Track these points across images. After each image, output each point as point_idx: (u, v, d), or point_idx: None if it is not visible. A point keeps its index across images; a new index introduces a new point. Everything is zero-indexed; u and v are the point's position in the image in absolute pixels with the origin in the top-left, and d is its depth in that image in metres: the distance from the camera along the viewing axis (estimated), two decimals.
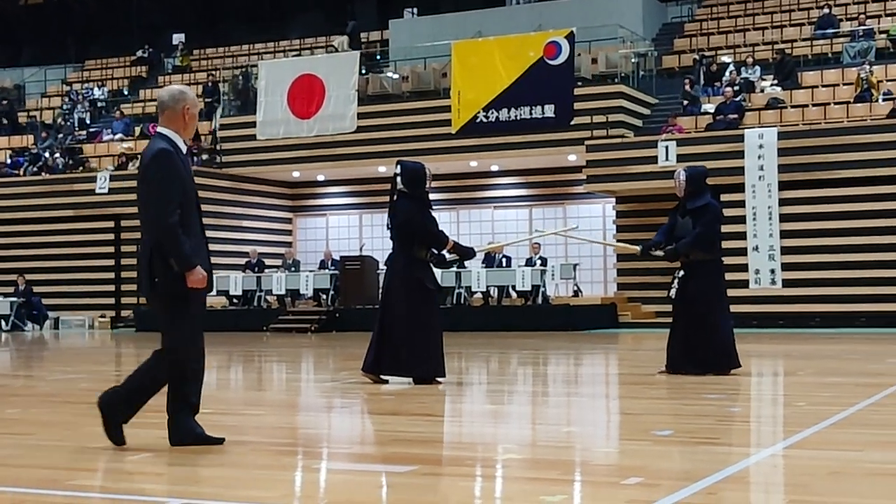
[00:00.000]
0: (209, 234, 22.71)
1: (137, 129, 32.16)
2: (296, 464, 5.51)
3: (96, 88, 35.88)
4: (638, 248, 11.25)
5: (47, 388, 10.76)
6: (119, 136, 32.12)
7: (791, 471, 5.30)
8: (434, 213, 10.23)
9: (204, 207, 23.04)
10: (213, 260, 22.67)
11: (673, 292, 10.78)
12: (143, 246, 6.16)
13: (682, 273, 10.78)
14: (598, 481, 4.99)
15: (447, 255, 10.42)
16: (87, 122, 34.16)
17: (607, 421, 7.81)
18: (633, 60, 28.06)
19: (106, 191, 29.28)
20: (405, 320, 9.83)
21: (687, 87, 26.51)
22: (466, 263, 23.89)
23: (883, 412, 7.55)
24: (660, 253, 10.95)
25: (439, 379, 9.97)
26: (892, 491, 4.58)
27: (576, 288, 25.98)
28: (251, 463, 5.55)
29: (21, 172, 31.11)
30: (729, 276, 23.14)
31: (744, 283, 23.49)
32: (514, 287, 24.75)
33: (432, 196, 31.17)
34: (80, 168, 30.88)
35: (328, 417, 8.04)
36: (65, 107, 35.08)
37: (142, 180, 6.10)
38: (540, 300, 24.24)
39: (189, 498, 4.63)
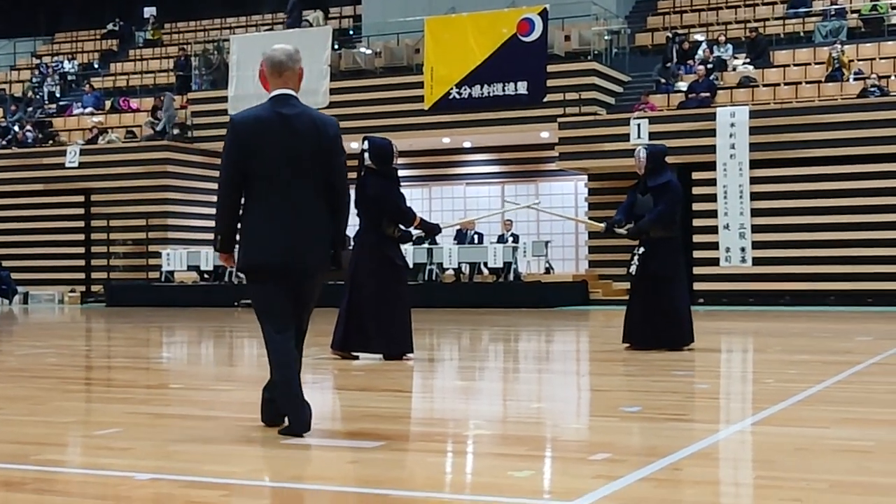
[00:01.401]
0: (180, 209, 22.41)
1: (108, 103, 31.93)
2: (264, 439, 5.49)
3: (66, 62, 35.57)
4: (602, 225, 11.34)
5: (15, 362, 10.69)
6: (89, 109, 31.89)
7: (757, 447, 5.34)
8: (402, 190, 10.24)
9: (174, 183, 22.82)
10: (183, 236, 22.39)
11: (633, 269, 10.90)
12: (320, 212, 5.66)
13: (641, 250, 10.89)
14: (566, 457, 5.00)
15: (413, 232, 10.45)
16: (58, 95, 33.90)
17: (576, 397, 7.83)
18: (606, 38, 28.06)
19: (76, 165, 29.09)
20: (374, 297, 9.84)
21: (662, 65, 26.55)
22: (438, 240, 24.01)
23: (849, 389, 7.61)
24: (623, 231, 11.04)
25: (409, 355, 10.01)
26: (856, 467, 4.62)
27: (547, 265, 26.02)
28: (219, 438, 5.54)
29: None
30: (699, 254, 23.61)
31: (714, 261, 23.61)
32: (485, 264, 24.77)
33: (404, 172, 31.03)
34: (50, 142, 30.66)
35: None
36: (34, 80, 34.76)
37: (337, 152, 5.70)
38: (511, 277, 24.27)
39: (155, 473, 4.62)
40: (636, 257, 11.04)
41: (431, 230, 11.26)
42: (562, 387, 8.53)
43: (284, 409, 5.57)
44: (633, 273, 11.05)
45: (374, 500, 4.12)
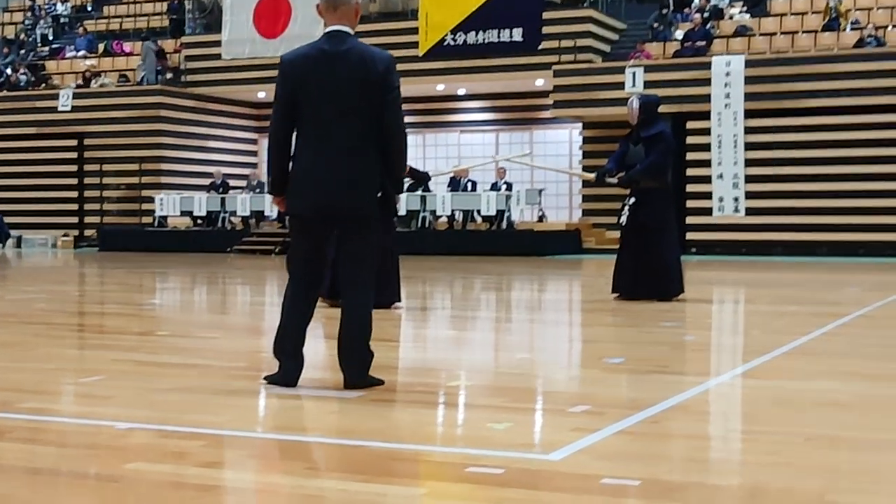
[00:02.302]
0: (174, 154, 22.30)
1: (101, 46, 31.71)
2: (247, 388, 5.50)
3: (59, 4, 35.26)
4: (593, 175, 11.33)
5: (5, 307, 10.71)
6: (82, 52, 31.68)
7: (737, 400, 5.36)
8: None
9: (168, 127, 22.72)
10: (176, 181, 22.32)
11: (623, 219, 10.91)
12: (366, 154, 5.41)
13: (632, 200, 10.88)
14: (546, 409, 5.03)
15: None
16: (50, 38, 33.66)
17: (561, 348, 7.86)
18: None
19: (69, 108, 28.97)
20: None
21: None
22: (432, 187, 23.98)
23: (834, 342, 7.64)
24: (614, 180, 11.04)
25: (397, 304, 10.02)
26: (833, 420, 4.64)
27: (541, 213, 26.01)
28: (202, 387, 5.56)
29: None
30: (692, 204, 23.61)
31: (707, 211, 23.62)
32: (478, 211, 24.76)
33: None
34: (43, 85, 30.49)
35: None
36: (27, 22, 34.51)
37: (387, 88, 5.39)
38: (504, 225, 24.26)
39: (136, 422, 4.63)
40: (627, 208, 11.06)
41: (421, 178, 11.25)
42: (548, 337, 8.56)
43: (275, 355, 5.53)
44: (624, 223, 11.08)
45: (349, 451, 4.14)
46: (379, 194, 5.48)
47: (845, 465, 3.86)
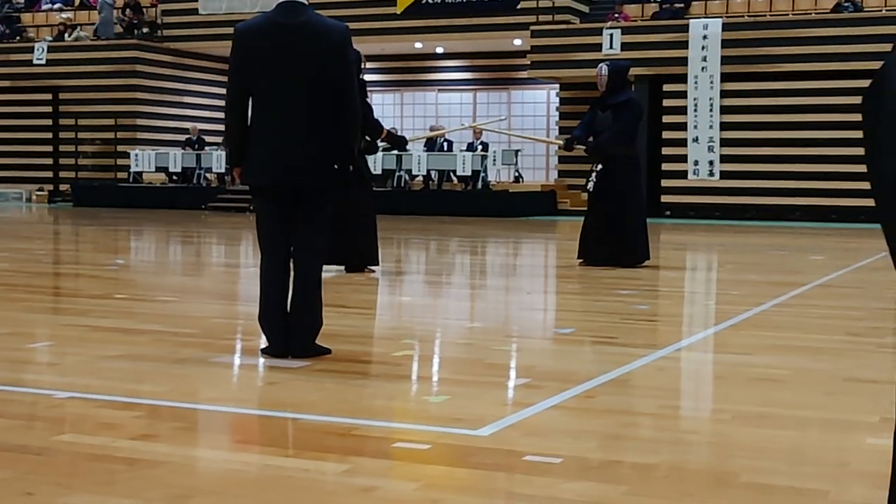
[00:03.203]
0: (150, 109, 22.19)
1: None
2: (193, 357, 5.54)
3: None
4: (562, 142, 11.36)
5: None
6: (58, 5, 31.40)
7: (675, 374, 5.42)
8: (374, 96, 10.21)
9: (144, 83, 22.65)
10: (152, 136, 22.27)
11: (590, 185, 10.94)
12: (321, 127, 5.42)
13: (599, 167, 10.91)
14: (485, 381, 5.07)
15: (379, 144, 10.45)
16: None
17: (514, 317, 7.90)
18: None
19: (44, 62, 28.76)
20: (341, 209, 9.83)
21: None
22: (409, 147, 23.95)
23: (784, 313, 7.70)
24: (582, 147, 11.07)
25: (371, 268, 10.08)
26: (764, 398, 4.70)
27: (517, 174, 26.01)
28: (149, 355, 5.58)
29: None
30: (668, 167, 23.66)
31: (682, 174, 23.67)
32: (454, 172, 24.75)
33: (376, 77, 30.76)
34: (18, 38, 30.23)
35: (240, 307, 8.05)
36: None
37: (341, 62, 5.42)
38: (480, 186, 24.27)
39: (74, 391, 4.67)
40: (594, 174, 11.08)
41: (398, 143, 11.28)
42: (504, 305, 8.61)
43: (261, 326, 5.55)
44: (591, 189, 11.11)
45: (280, 425, 4.19)
46: (336, 166, 5.51)
47: (768, 443, 3.92)
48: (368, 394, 4.78)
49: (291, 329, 5.49)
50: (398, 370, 5.37)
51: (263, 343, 5.57)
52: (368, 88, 10.72)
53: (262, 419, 4.33)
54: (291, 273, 5.55)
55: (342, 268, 10.01)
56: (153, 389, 4.74)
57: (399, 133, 25.45)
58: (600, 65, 11.27)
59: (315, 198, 5.50)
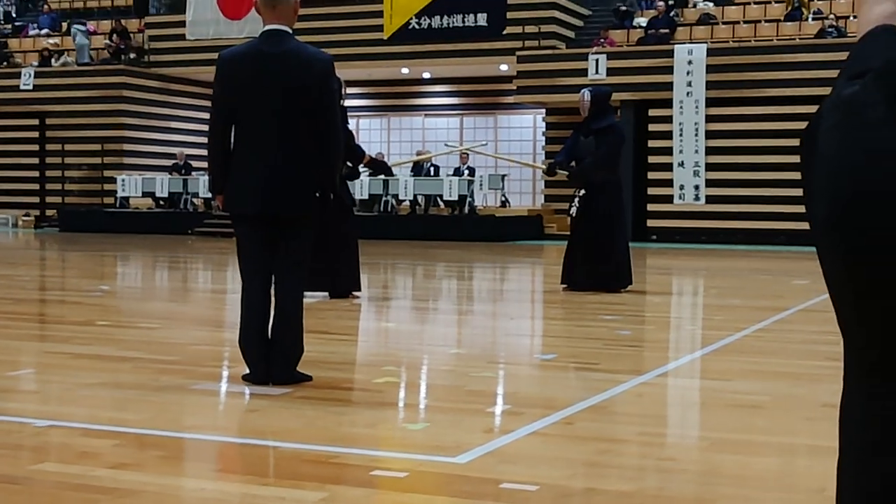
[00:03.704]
0: (137, 135, 22.17)
1: (64, 25, 31.49)
2: (174, 384, 5.54)
3: None
4: (544, 166, 11.42)
5: None
6: (45, 31, 31.46)
7: (653, 401, 5.44)
8: (362, 120, 10.27)
9: (131, 108, 22.62)
10: (139, 161, 22.20)
11: (573, 210, 11.00)
12: (302, 155, 5.45)
13: (582, 192, 10.96)
14: (464, 408, 5.08)
15: (361, 170, 10.50)
16: (13, 15, 33.39)
17: (497, 343, 7.91)
18: None
19: (31, 87, 28.78)
20: (324, 236, 9.87)
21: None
22: (395, 171, 24.05)
23: (765, 338, 7.73)
24: (564, 173, 11.12)
25: (355, 293, 10.10)
26: (741, 424, 4.72)
27: (503, 198, 26.08)
28: (130, 382, 5.59)
29: None
30: (653, 191, 23.73)
31: (668, 199, 23.75)
32: (441, 197, 24.79)
33: (363, 102, 30.85)
34: (5, 63, 30.25)
35: (223, 333, 8.05)
36: None
37: (324, 91, 5.45)
38: (467, 210, 24.31)
39: (54, 419, 4.67)
40: (577, 199, 11.14)
41: (380, 168, 11.34)
42: (487, 331, 8.63)
43: (242, 353, 5.54)
44: (574, 214, 11.16)
45: (259, 453, 4.20)
46: (317, 194, 5.55)
47: (747, 469, 3.94)
48: (348, 421, 4.79)
49: (272, 356, 5.50)
50: (379, 397, 5.38)
51: (245, 370, 5.57)
52: (356, 113, 10.84)
53: (241, 447, 4.34)
54: (273, 300, 5.57)
55: (326, 294, 10.03)
56: (133, 417, 4.74)
57: (386, 158, 25.53)
58: (583, 90, 11.34)
59: (296, 225, 5.53)
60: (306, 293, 9.78)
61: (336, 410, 4.99)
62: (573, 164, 11.11)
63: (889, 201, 0.78)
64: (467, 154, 25.56)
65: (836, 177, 0.84)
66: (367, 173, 10.71)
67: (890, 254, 0.79)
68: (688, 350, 6.87)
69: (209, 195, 26.01)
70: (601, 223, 10.88)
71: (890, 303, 0.80)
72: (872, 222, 0.79)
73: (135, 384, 5.53)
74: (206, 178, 26.28)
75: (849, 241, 0.83)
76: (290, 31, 5.58)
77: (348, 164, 10.14)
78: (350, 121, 10.35)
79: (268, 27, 5.55)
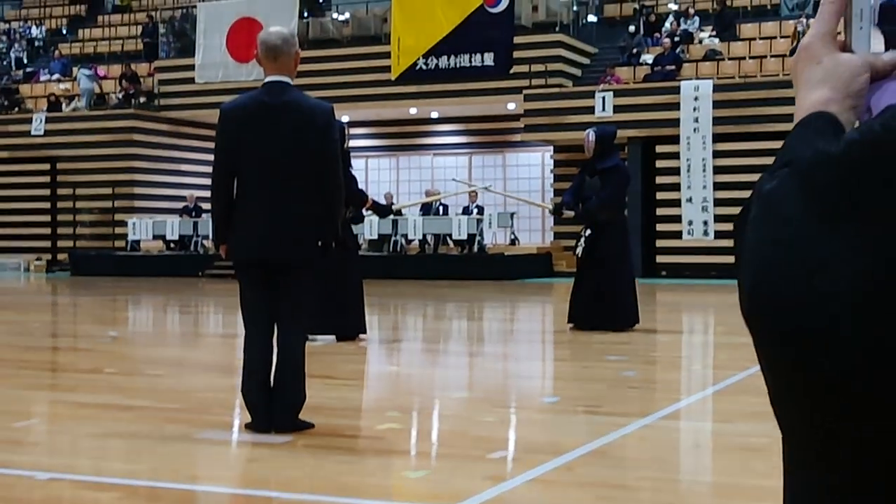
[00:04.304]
0: (147, 178, 22.31)
1: (75, 70, 31.74)
2: (177, 433, 5.57)
3: (34, 27, 35.32)
4: (550, 207, 11.47)
5: None
6: (56, 76, 31.71)
7: (655, 444, 5.44)
8: (370, 160, 10.36)
9: (141, 151, 22.77)
10: (149, 205, 22.32)
11: (579, 250, 11.03)
12: (304, 204, 5.54)
13: (588, 232, 11.00)
14: (465, 454, 5.10)
15: (364, 213, 10.57)
16: (25, 61, 33.68)
17: (501, 386, 7.92)
18: (573, 9, 28.04)
19: (42, 133, 28.97)
20: (329, 279, 9.88)
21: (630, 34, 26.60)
22: (404, 211, 24.14)
23: None
24: (570, 213, 11.17)
25: (361, 336, 10.14)
26: (741, 468, 4.73)
27: (513, 236, 26.11)
28: (132, 432, 5.62)
29: None
30: (662, 227, 23.74)
31: (677, 234, 23.75)
32: (450, 236, 24.83)
33: (372, 142, 30.97)
34: (16, 109, 30.49)
35: (230, 380, 8.07)
36: (1, 46, 34.52)
37: (326, 141, 5.56)
38: (476, 249, 24.34)
39: (57, 472, 4.70)
40: (583, 239, 11.17)
41: (383, 211, 11.41)
42: (492, 374, 8.64)
43: (245, 401, 5.56)
44: (579, 255, 11.19)
45: (255, 503, 4.22)
46: (319, 242, 5.60)
47: None
48: (348, 470, 4.81)
49: (274, 404, 5.53)
50: (380, 444, 5.40)
51: (248, 418, 5.60)
52: (365, 154, 10.87)
53: (239, 498, 4.36)
54: (275, 347, 5.60)
55: (333, 337, 10.05)
56: (135, 468, 4.77)
57: (395, 198, 25.66)
58: (588, 130, 11.40)
59: (298, 273, 5.58)
60: (313, 336, 9.89)
61: (337, 459, 5.02)
62: (580, 204, 11.15)
63: (797, 298, 0.82)
64: (476, 192, 25.65)
65: (749, 267, 0.87)
66: (369, 215, 10.75)
67: (795, 349, 0.82)
68: (693, 391, 6.88)
69: None
70: (606, 263, 10.90)
71: (795, 391, 0.84)
72: (775, 317, 0.83)
73: (140, 434, 5.56)
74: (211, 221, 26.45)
75: (755, 331, 0.86)
76: (291, 81, 5.65)
77: (351, 207, 10.20)
78: (356, 162, 10.43)
79: (269, 78, 5.63)
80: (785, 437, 0.92)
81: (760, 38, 26.15)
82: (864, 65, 1.01)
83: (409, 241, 25.28)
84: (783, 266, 0.83)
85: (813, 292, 0.80)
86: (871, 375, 0.78)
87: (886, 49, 1.05)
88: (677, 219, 23.74)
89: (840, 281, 0.79)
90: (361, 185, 11.25)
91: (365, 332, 10.20)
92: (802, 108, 1.03)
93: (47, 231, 29.41)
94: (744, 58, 25.40)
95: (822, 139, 0.92)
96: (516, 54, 25.79)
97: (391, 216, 12.12)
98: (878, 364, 0.78)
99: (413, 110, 28.08)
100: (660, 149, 23.97)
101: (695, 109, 23.52)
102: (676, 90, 23.73)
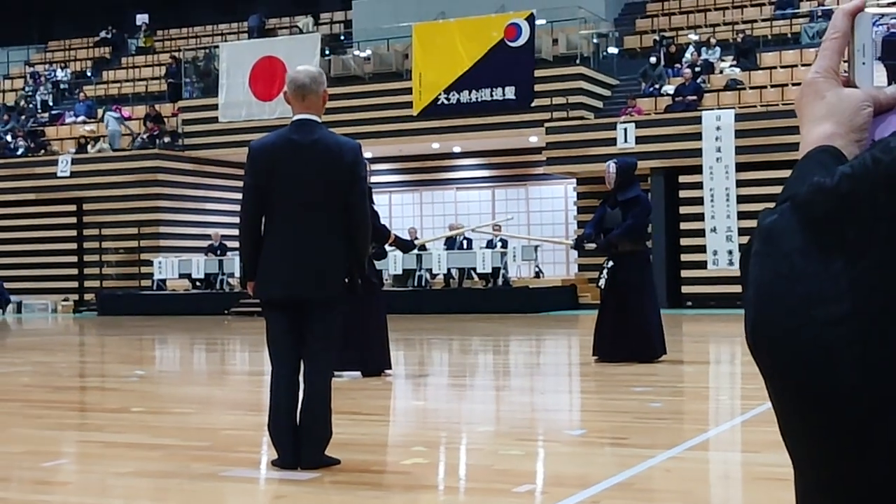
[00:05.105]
0: (172, 217, 22.52)
1: (100, 112, 32.04)
2: (204, 471, 5.59)
3: (59, 70, 35.70)
4: (571, 242, 11.47)
5: None
6: (82, 118, 32.02)
7: (681, 476, 5.43)
8: (392, 195, 10.41)
9: (166, 191, 22.96)
10: (175, 244, 22.42)
11: (602, 282, 11.01)
12: (332, 241, 5.60)
13: (611, 263, 10.99)
14: (490, 488, 5.10)
15: (387, 249, 10.60)
16: (50, 104, 34.03)
17: (526, 419, 7.91)
18: (593, 41, 28.15)
19: (68, 174, 29.24)
20: (353, 314, 9.89)
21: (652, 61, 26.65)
22: (428, 246, 24.20)
23: None
24: (592, 245, 11.17)
25: (387, 371, 10.14)
26: (768, 498, 4.71)
27: (537, 269, 26.12)
28: (160, 471, 5.64)
29: None
30: (686, 257, 23.71)
31: (702, 264, 23.69)
32: (474, 269, 24.86)
33: (395, 178, 31.15)
34: (42, 151, 30.79)
35: (256, 417, 8.10)
36: (27, 89, 34.91)
37: (354, 179, 5.62)
38: (501, 282, 24.35)
39: None
40: (605, 270, 11.17)
41: (405, 247, 11.45)
42: (518, 407, 8.63)
43: (272, 438, 5.59)
44: (603, 286, 11.18)
45: None
46: (346, 279, 5.64)
47: None
48: None
49: (301, 440, 5.55)
50: (406, 479, 5.41)
51: (274, 455, 5.62)
52: (388, 189, 10.94)
53: None
54: (301, 384, 5.62)
55: (358, 373, 10.06)
56: None
57: (419, 232, 25.71)
58: (608, 162, 11.41)
59: (325, 309, 5.61)
60: (339, 372, 9.90)
61: (363, 495, 5.02)
62: (602, 235, 11.16)
63: (797, 329, 0.83)
64: (500, 226, 25.69)
65: (753, 302, 0.89)
66: (392, 251, 10.78)
67: (797, 379, 0.84)
68: (718, 421, 6.86)
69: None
70: (629, 294, 10.89)
71: (799, 421, 0.85)
72: (776, 348, 0.85)
73: (165, 472, 5.59)
74: (239, 259, 26.58)
75: (759, 363, 0.88)
76: (319, 119, 5.71)
77: (374, 244, 10.23)
78: (379, 198, 10.49)
79: (297, 117, 5.69)
80: (794, 466, 0.94)
81: (781, 67, 26.15)
82: (868, 99, 1.03)
83: (433, 276, 25.32)
84: (783, 298, 0.85)
85: (813, 324, 0.82)
86: (873, 405, 0.79)
87: (889, 83, 1.07)
88: (702, 249, 23.70)
89: (838, 312, 0.81)
90: (385, 221, 11.32)
91: (390, 367, 10.22)
92: (807, 142, 1.05)
93: (74, 272, 29.62)
94: (765, 86, 25.40)
95: (822, 172, 0.93)
96: (537, 87, 25.89)
97: (415, 251, 12.10)
98: (879, 394, 0.79)
99: (435, 145, 28.20)
100: (683, 179, 23.97)
101: (717, 139, 23.53)
102: (698, 120, 23.75)
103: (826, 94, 1.05)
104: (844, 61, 1.11)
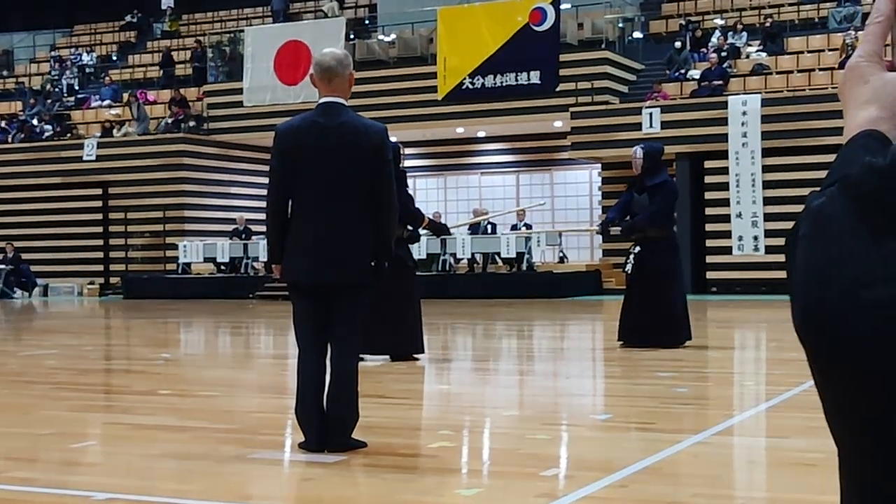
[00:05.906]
0: (197, 201, 22.61)
1: (126, 96, 32.14)
2: (232, 454, 5.61)
3: (85, 54, 35.84)
4: (596, 227, 11.43)
5: (15, 366, 10.87)
6: (107, 102, 32.13)
7: (709, 461, 5.41)
8: (418, 180, 10.40)
9: (191, 175, 23.09)
10: (200, 227, 22.60)
11: (629, 267, 10.98)
12: (358, 225, 5.59)
13: (637, 249, 10.95)
14: (518, 472, 5.10)
15: (421, 232, 10.60)
16: (76, 88, 34.16)
17: (552, 403, 7.91)
18: (619, 26, 28.03)
19: (94, 158, 29.36)
20: (385, 298, 9.88)
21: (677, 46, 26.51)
22: (453, 231, 24.21)
23: None
24: (617, 230, 11.13)
25: (417, 356, 10.13)
26: (797, 483, 4.69)
27: (561, 254, 26.07)
28: (189, 453, 5.67)
29: (9, 139, 31.15)
30: (712, 243, 23.64)
31: (727, 250, 23.60)
32: (499, 254, 24.84)
33: (420, 162, 31.19)
34: (68, 135, 30.93)
35: (282, 400, 8.12)
36: (53, 73, 35.05)
37: (380, 162, 5.60)
38: (525, 267, 24.32)
39: (115, 492, 4.75)
40: (632, 255, 11.13)
41: (440, 230, 11.45)
42: (544, 391, 8.63)
43: (298, 421, 5.60)
44: (629, 271, 11.15)
45: None
46: (373, 263, 5.63)
47: None
48: (401, 488, 4.83)
49: (328, 423, 5.56)
50: (433, 462, 5.41)
51: (301, 438, 5.63)
52: (413, 174, 10.97)
53: None
54: (328, 367, 5.63)
55: (387, 356, 10.07)
56: (190, 488, 4.81)
57: (443, 217, 25.69)
58: (635, 147, 11.36)
59: (352, 293, 5.61)
60: (368, 356, 9.91)
61: (390, 477, 5.03)
62: (627, 218, 11.10)
63: (848, 311, 0.82)
64: (524, 211, 25.67)
65: (802, 286, 0.88)
66: (426, 234, 10.77)
67: (849, 361, 0.83)
68: (745, 407, 6.83)
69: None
70: (656, 279, 10.84)
71: (851, 404, 0.84)
72: (826, 330, 0.83)
73: (194, 454, 5.61)
74: (265, 242, 26.64)
75: (807, 346, 0.87)
76: (345, 102, 5.70)
77: (408, 227, 10.23)
78: (408, 182, 10.47)
79: (324, 99, 5.68)
80: (840, 448, 0.93)
81: (808, 52, 25.99)
82: None
83: (457, 260, 25.32)
84: (834, 281, 0.84)
85: (863, 306, 0.81)
86: None
87: None
88: (727, 234, 23.60)
89: (890, 293, 0.80)
90: None
91: (422, 351, 10.19)
92: (851, 127, 1.04)
93: (100, 255, 29.77)
94: (792, 71, 25.25)
95: (871, 155, 0.92)
96: (562, 72, 25.81)
97: (446, 234, 12.10)
98: None
99: (460, 129, 28.16)
100: (708, 164, 23.87)
101: (743, 124, 23.40)
102: (724, 105, 23.63)
103: (870, 79, 1.04)
104: (888, 45, 1.10)
